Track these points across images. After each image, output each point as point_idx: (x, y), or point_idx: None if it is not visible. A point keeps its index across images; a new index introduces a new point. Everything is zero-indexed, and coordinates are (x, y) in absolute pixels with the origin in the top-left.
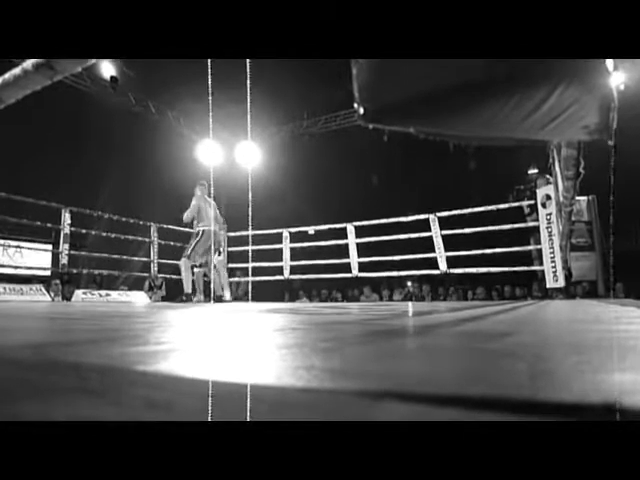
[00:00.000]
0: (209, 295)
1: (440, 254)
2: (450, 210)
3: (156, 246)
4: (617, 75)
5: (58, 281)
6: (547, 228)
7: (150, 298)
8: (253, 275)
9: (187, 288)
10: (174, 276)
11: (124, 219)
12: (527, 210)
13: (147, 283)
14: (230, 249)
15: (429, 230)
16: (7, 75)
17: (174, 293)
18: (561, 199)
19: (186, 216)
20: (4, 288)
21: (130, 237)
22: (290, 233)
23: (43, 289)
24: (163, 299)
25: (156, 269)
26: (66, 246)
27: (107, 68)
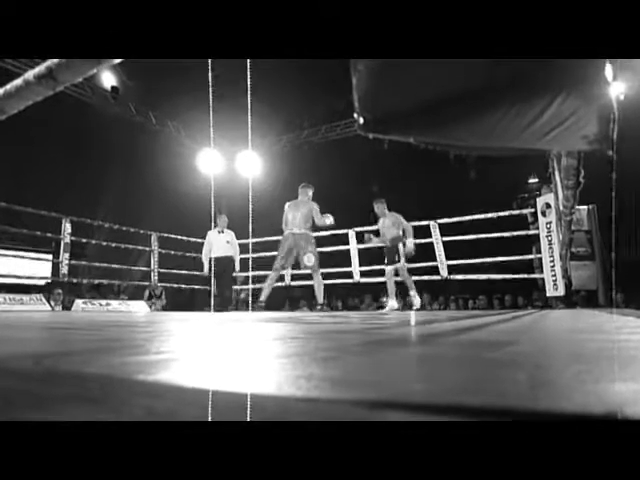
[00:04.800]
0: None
1: (441, 261)
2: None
3: (156, 255)
4: (617, 85)
5: (60, 290)
6: (547, 237)
7: (150, 307)
8: (254, 283)
9: (319, 298)
10: (174, 285)
11: (124, 228)
12: (531, 219)
13: (147, 292)
14: None
15: (429, 237)
16: (8, 86)
17: (174, 302)
18: (561, 208)
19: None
20: (4, 298)
21: (130, 246)
22: None
23: (43, 299)
24: (164, 308)
25: (156, 278)
26: (66, 255)
27: (108, 78)
